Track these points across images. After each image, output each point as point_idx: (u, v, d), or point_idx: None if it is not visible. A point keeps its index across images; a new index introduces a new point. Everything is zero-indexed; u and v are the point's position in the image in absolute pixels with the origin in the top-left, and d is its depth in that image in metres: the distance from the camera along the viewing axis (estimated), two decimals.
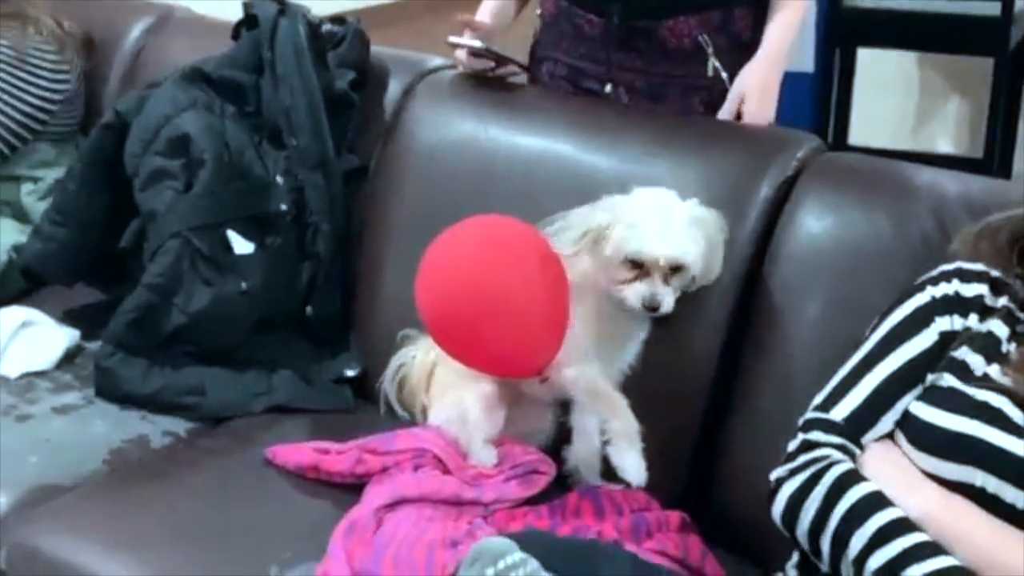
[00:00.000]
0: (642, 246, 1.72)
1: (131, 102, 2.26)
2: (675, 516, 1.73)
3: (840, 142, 4.15)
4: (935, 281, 1.48)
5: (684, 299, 1.79)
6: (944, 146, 4.32)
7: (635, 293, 1.74)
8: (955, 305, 1.45)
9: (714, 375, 1.82)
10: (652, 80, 2.14)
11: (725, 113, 2.08)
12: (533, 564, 1.33)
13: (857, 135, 4.21)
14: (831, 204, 1.81)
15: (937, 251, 1.62)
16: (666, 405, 1.82)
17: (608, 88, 2.17)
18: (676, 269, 1.74)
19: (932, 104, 4.31)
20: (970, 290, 1.45)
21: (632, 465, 1.73)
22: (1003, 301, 1.44)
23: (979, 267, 1.47)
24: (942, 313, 1.45)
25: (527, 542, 1.37)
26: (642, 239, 1.72)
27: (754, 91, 2.06)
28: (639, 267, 1.74)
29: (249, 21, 2.30)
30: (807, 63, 3.92)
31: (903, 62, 4.23)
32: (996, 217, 1.54)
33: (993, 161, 3.83)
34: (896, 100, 4.31)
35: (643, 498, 1.76)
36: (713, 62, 2.10)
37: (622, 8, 2.10)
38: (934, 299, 1.46)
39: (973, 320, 1.43)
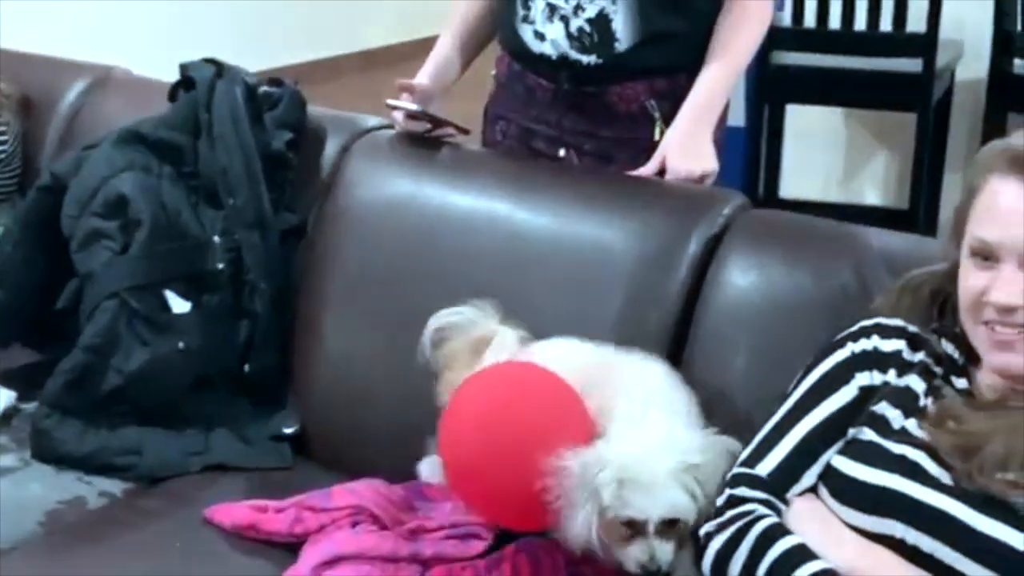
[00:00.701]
0: (631, 509, 1.53)
1: (68, 164, 2.27)
2: (611, 572, 1.74)
3: (771, 194, 4.23)
4: (855, 337, 1.52)
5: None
6: (872, 198, 4.41)
7: (632, 558, 1.55)
8: (874, 360, 1.49)
9: None
10: (601, 143, 2.18)
11: (645, 170, 2.09)
12: None
13: (787, 188, 4.30)
14: (756, 260, 1.84)
15: (857, 305, 1.65)
16: None
17: (558, 150, 2.21)
18: (672, 523, 1.55)
19: (859, 157, 4.39)
20: (889, 345, 1.49)
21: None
22: (920, 356, 1.48)
23: (897, 323, 1.52)
24: (862, 368, 1.49)
25: None
26: (628, 501, 1.53)
27: (675, 147, 2.08)
28: (632, 526, 1.56)
29: (186, 83, 2.32)
30: (738, 118, 4.00)
31: (831, 117, 4.32)
32: (918, 272, 1.58)
33: (919, 212, 3.92)
34: (824, 154, 4.39)
35: None
36: (660, 126, 2.14)
37: (571, 74, 2.15)
38: (854, 354, 1.50)
39: (892, 375, 1.47)
